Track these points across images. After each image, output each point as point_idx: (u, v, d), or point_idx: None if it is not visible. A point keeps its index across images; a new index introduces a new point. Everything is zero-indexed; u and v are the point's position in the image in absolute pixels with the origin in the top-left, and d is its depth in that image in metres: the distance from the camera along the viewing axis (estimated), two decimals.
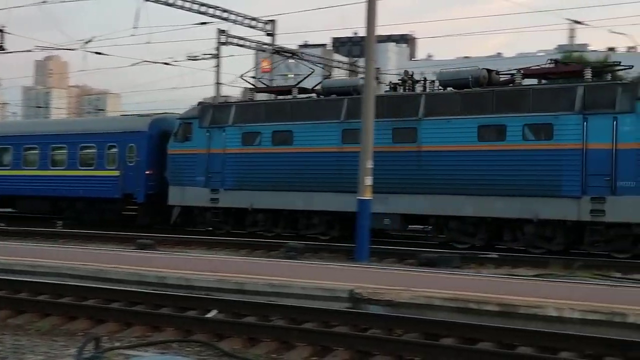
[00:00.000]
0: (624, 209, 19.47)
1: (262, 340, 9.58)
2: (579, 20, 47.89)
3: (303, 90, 26.62)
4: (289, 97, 26.41)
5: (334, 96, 25.26)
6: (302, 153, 25.05)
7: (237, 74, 35.19)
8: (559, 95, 20.62)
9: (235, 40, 39.34)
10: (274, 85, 35.14)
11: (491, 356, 8.70)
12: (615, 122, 19.58)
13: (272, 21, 40.15)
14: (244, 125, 26.43)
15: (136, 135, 29.55)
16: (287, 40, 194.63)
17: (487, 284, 13.03)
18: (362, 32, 24.39)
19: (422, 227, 24.21)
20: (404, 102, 23.35)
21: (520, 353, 8.84)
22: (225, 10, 37.86)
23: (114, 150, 30.21)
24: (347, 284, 12.18)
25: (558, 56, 47.72)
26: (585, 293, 11.96)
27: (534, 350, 8.97)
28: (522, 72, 21.91)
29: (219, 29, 38.34)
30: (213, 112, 27.49)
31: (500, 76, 22.71)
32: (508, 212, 21.17)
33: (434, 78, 23.92)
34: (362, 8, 19.29)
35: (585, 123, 20.01)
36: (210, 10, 36.97)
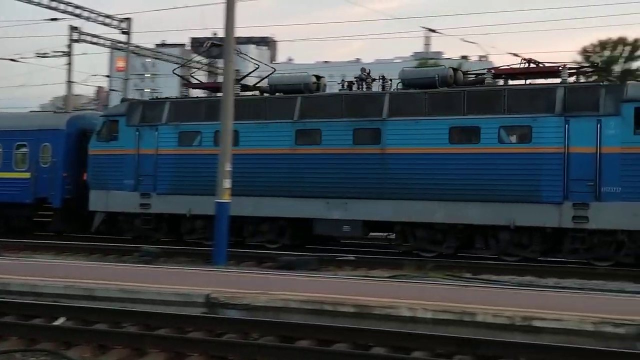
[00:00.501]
0: (609, 216, 18.85)
1: (113, 347, 9.46)
2: (433, 28, 48.10)
3: (245, 88, 24.79)
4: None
5: (279, 94, 23.59)
6: (249, 155, 23.24)
7: (91, 72, 33.32)
8: (538, 96, 19.83)
9: (88, 38, 38.89)
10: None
11: (345, 357, 8.95)
12: (599, 125, 18.95)
13: (128, 19, 39.69)
14: (181, 123, 24.37)
15: (52, 133, 26.82)
16: (143, 39, 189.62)
17: (344, 286, 13.34)
18: (221, 33, 23.63)
19: (385, 234, 22.91)
20: (366, 102, 22.01)
21: (374, 354, 9.11)
22: (77, 7, 37.06)
23: (24, 149, 27.35)
24: (204, 288, 12.13)
25: (414, 63, 47.47)
26: (437, 293, 12.43)
27: (388, 350, 9.25)
28: (492, 71, 21.00)
29: (70, 25, 37.30)
30: (143, 109, 25.26)
31: (468, 76, 21.75)
32: (482, 218, 20.20)
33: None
34: (222, 8, 19.36)
35: (567, 126, 19.28)
36: (62, 6, 35.70)
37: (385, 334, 9.65)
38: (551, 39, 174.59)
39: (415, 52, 75.20)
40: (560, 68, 20.11)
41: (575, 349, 8.99)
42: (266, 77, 25.01)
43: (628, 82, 19.36)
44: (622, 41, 50.92)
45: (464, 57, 71.72)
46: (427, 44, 61.29)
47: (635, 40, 50.23)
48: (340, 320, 10.50)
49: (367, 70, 23.10)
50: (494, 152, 20.08)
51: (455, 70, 21.69)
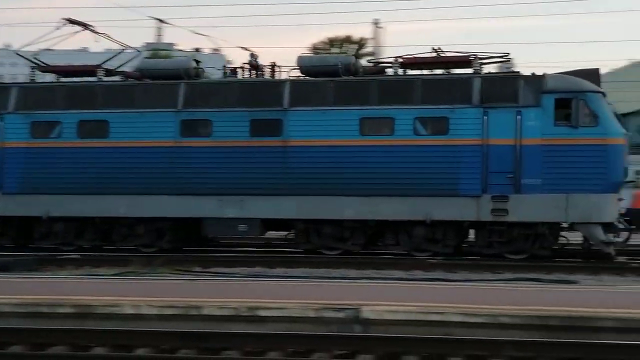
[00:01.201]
0: (529, 208, 18.71)
1: None
2: (163, 19, 46.42)
3: (108, 72, 22.03)
4: (95, 79, 21.67)
5: (148, 81, 21.20)
6: (122, 148, 20.70)
7: None
8: (455, 86, 19.29)
9: None
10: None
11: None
12: (519, 117, 18.77)
13: None
14: (34, 112, 21.21)
15: None
16: None
17: (64, 285, 12.99)
18: None
19: (286, 233, 21.27)
20: (265, 90, 20.33)
21: (93, 354, 9.11)
22: None
23: None
24: None
25: (147, 54, 46.31)
26: (164, 289, 12.61)
27: (109, 350, 9.25)
28: (400, 60, 20.19)
29: None
30: None
31: (377, 65, 20.79)
32: (397, 214, 19.30)
33: None
34: None
35: (485, 117, 18.92)
36: None
37: (107, 333, 9.61)
38: (285, 34, 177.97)
39: (147, 43, 73.05)
40: (471, 58, 19.73)
41: (295, 335, 9.49)
42: (127, 62, 22.49)
43: (546, 73, 19.35)
44: (349, 39, 52.63)
45: (197, 49, 71.27)
46: (159, 35, 59.90)
47: (361, 39, 52.08)
48: (59, 321, 10.28)
49: (256, 56, 21.36)
50: (409, 144, 19.29)
51: (356, 58, 20.65)
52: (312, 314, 10.36)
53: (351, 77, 20.02)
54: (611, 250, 18.71)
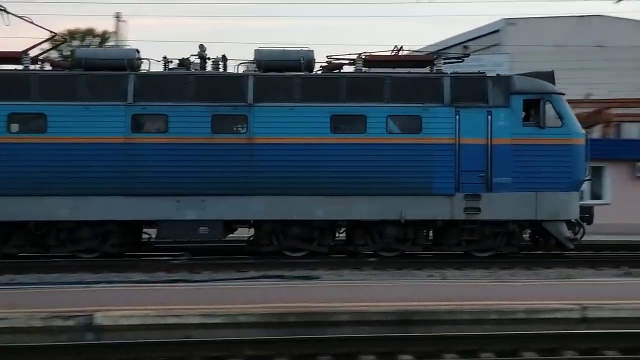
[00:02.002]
0: (500, 206, 19.04)
1: None
2: None
3: (34, 60, 19.82)
4: (21, 67, 19.43)
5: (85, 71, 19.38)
6: (63, 144, 18.73)
7: None
8: (427, 85, 19.21)
9: None
10: None
11: None
12: (489, 117, 19.06)
13: None
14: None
15: None
16: None
17: None
18: None
19: (249, 235, 20.07)
20: (226, 84, 19.18)
21: None
22: None
23: None
24: None
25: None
26: None
27: None
28: (363, 57, 19.82)
29: None
30: None
31: (338, 61, 20.22)
32: (369, 214, 18.94)
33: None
34: None
35: (457, 116, 19.03)
36: None
37: None
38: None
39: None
40: (434, 57, 19.77)
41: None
42: (50, 49, 20.36)
43: (512, 75, 19.75)
44: (91, 32, 51.61)
45: None
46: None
47: (104, 32, 51.10)
48: None
49: (205, 48, 20.09)
50: (382, 142, 18.97)
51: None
52: (38, 324, 9.86)
53: (321, 73, 19.40)
54: (572, 246, 19.45)
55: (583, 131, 19.75)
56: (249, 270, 16.98)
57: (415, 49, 25.65)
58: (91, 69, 19.08)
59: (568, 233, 19.29)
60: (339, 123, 18.98)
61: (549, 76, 19.90)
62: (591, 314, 10.29)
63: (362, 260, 18.50)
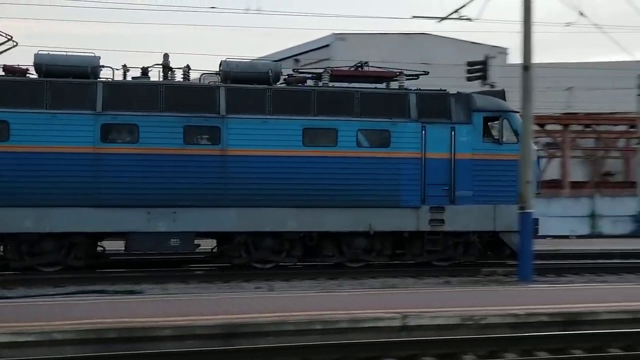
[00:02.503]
0: (462, 218, 19.87)
1: None
2: None
3: None
4: None
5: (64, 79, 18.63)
6: (27, 153, 17.95)
7: None
8: (394, 100, 19.74)
9: None
10: None
11: None
12: (453, 132, 19.84)
13: None
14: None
15: None
16: None
17: None
18: None
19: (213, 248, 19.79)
20: (199, 95, 18.95)
21: None
22: None
23: None
24: None
25: None
26: None
27: None
28: (329, 72, 20.12)
29: None
30: None
31: (303, 75, 20.38)
32: (340, 225, 19.27)
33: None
34: None
35: (423, 132, 19.69)
36: None
37: None
38: None
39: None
40: (398, 73, 20.38)
41: None
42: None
43: (472, 93, 20.58)
44: None
45: None
46: None
47: None
48: None
49: (168, 56, 19.73)
50: (352, 155, 19.34)
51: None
52: None
53: (292, 86, 19.54)
54: None
55: (536, 147, 20.91)
56: (68, 285, 16.72)
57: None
58: (51, 76, 18.33)
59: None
60: (310, 136, 19.18)
61: (502, 94, 20.95)
62: (411, 322, 10.55)
63: (188, 274, 18.69)
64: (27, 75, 18.86)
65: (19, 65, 19.00)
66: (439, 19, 20.39)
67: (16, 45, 19.61)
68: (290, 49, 50.23)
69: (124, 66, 19.69)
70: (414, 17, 34.14)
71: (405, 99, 19.74)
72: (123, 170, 18.27)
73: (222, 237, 19.27)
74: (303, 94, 19.38)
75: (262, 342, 9.88)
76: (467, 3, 19.66)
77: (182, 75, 19.45)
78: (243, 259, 19.15)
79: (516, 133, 20.21)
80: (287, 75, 20.30)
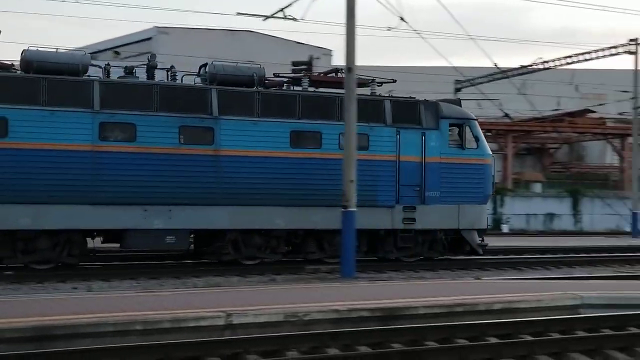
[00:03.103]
0: (431, 217, 21.36)
1: None
2: None
3: None
4: None
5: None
6: (27, 150, 17.89)
7: None
8: (370, 106, 20.92)
9: None
10: None
11: None
12: (423, 137, 21.31)
13: None
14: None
15: None
16: None
17: None
18: None
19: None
20: (193, 96, 19.43)
21: None
22: None
23: None
24: None
25: None
26: None
27: None
28: (308, 77, 21.09)
29: None
30: None
31: (280, 79, 21.20)
32: (324, 223, 20.24)
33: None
34: None
35: (398, 136, 21.04)
36: None
37: None
38: None
39: None
40: (370, 80, 21.66)
41: None
42: None
43: (438, 101, 22.05)
44: None
45: None
46: None
47: None
48: None
49: (153, 58, 20.08)
50: (335, 157, 20.36)
51: None
52: None
53: (280, 90, 20.38)
54: (482, 251, 22.31)
55: (491, 152, 22.75)
56: None
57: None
58: (42, 72, 18.30)
59: (478, 240, 22.11)
60: (297, 138, 20.08)
61: (458, 102, 22.65)
62: (236, 320, 10.35)
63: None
64: (12, 70, 18.70)
65: (2, 60, 18.85)
66: (263, 17, 20.96)
67: None
68: (110, 40, 49.25)
69: (108, 65, 19.90)
70: (239, 14, 34.85)
71: (381, 105, 21.02)
72: (120, 168, 18.48)
73: (212, 235, 19.76)
74: (290, 98, 20.24)
75: (79, 344, 9.30)
76: (292, 3, 19.87)
77: (171, 76, 19.85)
78: (231, 255, 19.75)
79: (476, 139, 21.96)
80: (266, 79, 21.07)
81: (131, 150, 18.66)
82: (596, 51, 38.67)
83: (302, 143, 20.19)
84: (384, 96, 21.37)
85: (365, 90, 21.45)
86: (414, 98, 21.87)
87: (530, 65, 38.34)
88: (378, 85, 22.30)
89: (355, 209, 18.01)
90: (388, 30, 23.68)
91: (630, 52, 37.35)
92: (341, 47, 18.26)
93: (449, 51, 23.31)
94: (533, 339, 10.22)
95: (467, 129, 21.91)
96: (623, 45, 37.75)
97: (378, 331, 10.22)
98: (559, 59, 39.23)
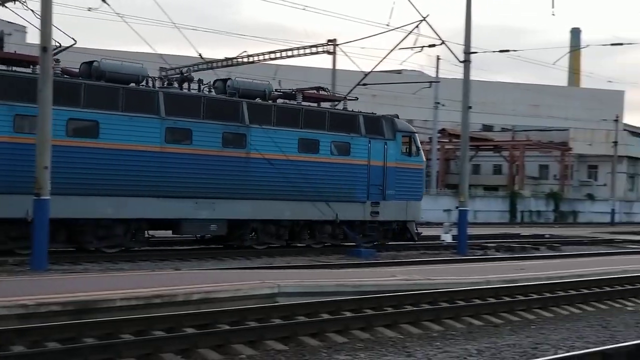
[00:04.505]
0: (390, 211, 26.78)
1: None
2: None
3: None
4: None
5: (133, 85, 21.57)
6: (112, 150, 20.93)
7: None
8: (350, 120, 25.85)
9: None
10: None
11: None
12: (385, 146, 26.68)
13: None
14: (17, 104, 19.46)
15: None
16: None
17: None
18: None
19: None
20: (230, 107, 23.20)
21: None
22: None
23: None
24: None
25: None
26: None
27: None
28: (302, 93, 25.61)
29: None
30: None
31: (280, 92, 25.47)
32: (319, 215, 24.88)
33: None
34: None
35: (369, 145, 26.23)
36: None
37: None
38: None
39: None
40: (343, 97, 26.65)
41: None
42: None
43: (393, 117, 27.27)
44: None
45: None
46: None
47: None
48: None
49: (186, 71, 23.57)
50: (328, 161, 25.13)
51: None
52: None
53: (290, 104, 24.68)
54: (417, 239, 28.10)
55: (424, 159, 28.64)
56: None
57: None
58: (112, 81, 21.26)
59: (416, 230, 27.92)
60: (302, 145, 24.56)
61: (396, 116, 28.23)
62: None
63: None
64: (77, 77, 21.36)
65: (69, 68, 21.47)
66: None
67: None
68: None
69: (166, 76, 23.15)
70: None
71: (357, 119, 26.06)
72: (180, 166, 21.91)
73: (237, 224, 23.62)
74: (296, 110, 24.65)
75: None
76: None
77: (206, 86, 23.51)
78: (252, 240, 23.84)
79: (417, 148, 27.72)
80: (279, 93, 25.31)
81: (188, 152, 22.13)
82: (298, 49, 37.88)
83: (305, 149, 24.66)
84: (359, 112, 26.41)
85: (328, 105, 26.50)
86: (375, 114, 27.11)
87: (236, 58, 37.61)
88: (350, 100, 27.31)
89: (48, 197, 17.06)
90: (89, 10, 24.19)
91: (329, 52, 38.34)
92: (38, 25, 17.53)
93: (154, 38, 26.02)
94: (230, 328, 10.22)
95: (413, 141, 27.58)
96: (323, 45, 38.27)
97: (70, 326, 9.64)
98: (263, 54, 38.60)
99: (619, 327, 12.51)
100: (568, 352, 9.85)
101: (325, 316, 11.47)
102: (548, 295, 14.85)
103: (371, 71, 30.40)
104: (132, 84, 21.56)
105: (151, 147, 21.43)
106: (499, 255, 26.61)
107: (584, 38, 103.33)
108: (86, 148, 20.35)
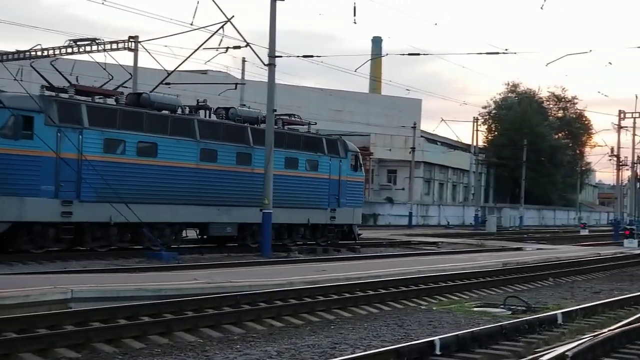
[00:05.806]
0: (343, 216, 32.91)
1: None
2: None
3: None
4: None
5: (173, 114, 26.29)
6: (166, 167, 25.67)
7: None
8: (316, 142, 31.72)
9: None
10: None
11: None
12: (340, 163, 32.77)
13: None
14: (106, 130, 23.95)
15: None
16: None
17: None
18: None
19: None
20: (239, 131, 28.42)
21: None
22: None
23: None
24: None
25: None
26: None
27: None
28: (281, 120, 31.23)
29: None
30: (61, 107, 22.89)
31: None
32: (298, 219, 30.63)
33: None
34: None
35: (330, 162, 32.23)
36: None
37: None
38: None
39: None
40: (309, 123, 32.59)
41: None
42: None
43: (344, 140, 33.29)
44: None
45: None
46: None
47: None
48: None
49: (202, 100, 28.61)
50: (304, 176, 30.94)
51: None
52: None
53: (279, 128, 30.21)
54: (358, 239, 34.44)
55: (364, 173, 35.10)
56: None
57: None
58: (159, 110, 26.05)
59: (358, 232, 34.34)
60: (288, 162, 30.22)
61: (345, 139, 34.48)
62: None
63: None
64: (118, 98, 25.83)
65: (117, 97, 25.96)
66: None
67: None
68: None
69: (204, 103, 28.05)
70: None
71: (322, 141, 32.05)
72: (210, 180, 26.95)
73: (244, 226, 28.85)
74: (283, 134, 30.23)
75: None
76: None
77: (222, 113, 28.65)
78: (254, 240, 29.21)
79: (360, 165, 34.14)
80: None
81: (215, 168, 27.17)
82: (98, 44, 34.52)
83: (289, 165, 30.30)
84: (322, 135, 32.40)
85: (303, 128, 32.33)
86: (331, 136, 33.20)
87: (28, 51, 34.76)
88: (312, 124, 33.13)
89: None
90: None
91: (130, 49, 36.67)
92: None
93: None
94: (17, 336, 9.70)
95: (357, 158, 33.95)
96: (124, 41, 36.31)
97: None
98: (59, 48, 34.57)
99: (413, 325, 12.85)
100: (365, 351, 10.07)
101: (122, 322, 11.13)
102: (347, 295, 15.12)
103: (174, 70, 30.73)
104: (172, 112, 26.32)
105: (191, 164, 26.29)
106: (302, 257, 27.27)
107: (385, 47, 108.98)
108: (147, 165, 24.97)
